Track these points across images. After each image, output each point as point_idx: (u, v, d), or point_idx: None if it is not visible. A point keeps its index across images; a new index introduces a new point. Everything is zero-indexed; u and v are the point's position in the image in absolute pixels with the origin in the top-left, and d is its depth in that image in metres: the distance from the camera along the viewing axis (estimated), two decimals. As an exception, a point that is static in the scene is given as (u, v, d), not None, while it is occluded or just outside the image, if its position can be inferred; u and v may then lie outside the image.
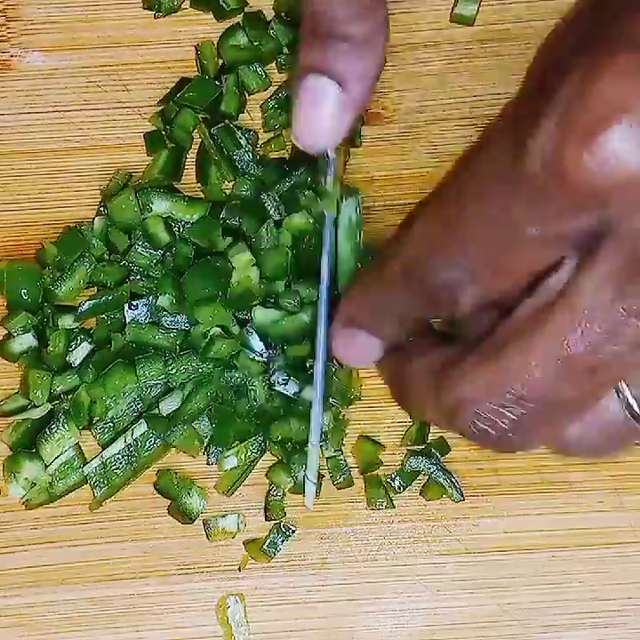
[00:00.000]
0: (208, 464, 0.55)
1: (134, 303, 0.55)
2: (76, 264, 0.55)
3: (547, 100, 0.34)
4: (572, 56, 0.34)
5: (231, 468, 0.55)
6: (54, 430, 0.55)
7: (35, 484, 0.55)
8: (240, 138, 0.56)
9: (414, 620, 0.55)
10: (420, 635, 0.55)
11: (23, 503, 0.55)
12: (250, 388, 0.54)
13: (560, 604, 0.55)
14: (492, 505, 0.55)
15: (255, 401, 0.54)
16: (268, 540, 0.55)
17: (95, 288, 0.56)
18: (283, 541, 0.55)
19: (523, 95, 0.37)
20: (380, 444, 0.55)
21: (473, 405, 0.39)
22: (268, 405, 0.54)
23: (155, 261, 0.55)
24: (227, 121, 0.56)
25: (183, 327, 0.54)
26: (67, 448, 0.55)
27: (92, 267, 0.55)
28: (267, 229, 0.54)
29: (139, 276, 0.55)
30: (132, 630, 0.55)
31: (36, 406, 0.55)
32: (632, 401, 0.40)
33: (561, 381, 0.38)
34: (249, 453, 0.55)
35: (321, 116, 0.48)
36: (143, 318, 0.55)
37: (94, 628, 0.55)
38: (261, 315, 0.54)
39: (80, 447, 0.55)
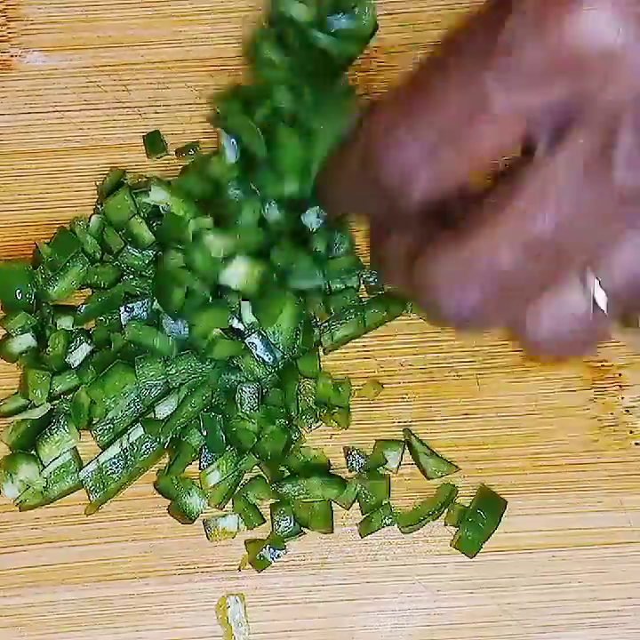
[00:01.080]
0: (199, 469, 0.55)
1: (130, 306, 0.55)
2: (68, 264, 0.55)
3: None
4: None
5: (219, 482, 0.55)
6: (54, 431, 0.55)
7: (29, 487, 0.55)
8: None
9: (414, 619, 0.55)
10: (420, 635, 0.55)
11: (17, 505, 0.55)
12: (242, 393, 0.55)
13: (559, 603, 0.55)
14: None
15: (243, 409, 0.55)
16: (261, 553, 0.55)
17: (91, 291, 0.56)
18: (278, 554, 0.55)
19: None
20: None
21: (440, 283, 0.39)
22: (250, 417, 0.55)
23: (147, 261, 0.55)
24: None
25: (182, 332, 0.54)
26: (65, 450, 0.55)
27: (85, 268, 0.55)
28: None
29: (132, 277, 0.55)
30: (132, 630, 0.55)
31: (35, 406, 0.55)
32: (598, 294, 0.39)
33: (528, 262, 0.37)
34: (230, 464, 0.55)
35: None
36: (141, 318, 0.55)
37: (94, 628, 0.55)
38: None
39: (77, 452, 0.55)
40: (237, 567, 0.55)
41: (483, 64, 0.35)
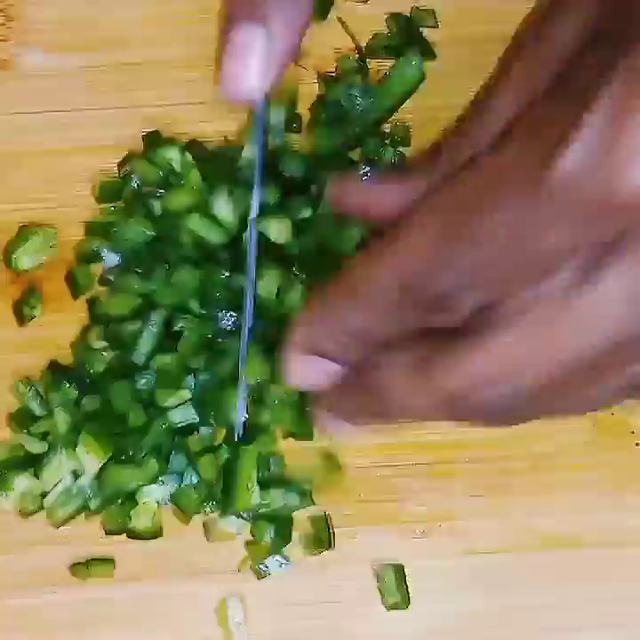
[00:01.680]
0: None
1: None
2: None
3: (579, 104, 0.32)
4: (600, 48, 0.33)
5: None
6: (52, 457, 0.55)
7: (27, 495, 0.55)
8: None
9: (414, 619, 0.55)
10: (420, 634, 0.55)
11: (18, 513, 0.55)
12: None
13: (559, 603, 0.55)
14: (491, 505, 0.56)
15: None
16: (262, 563, 0.55)
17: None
18: (276, 568, 0.55)
19: (545, 95, 0.35)
20: None
21: (478, 384, 0.38)
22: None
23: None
24: None
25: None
26: (66, 474, 0.54)
27: None
28: None
29: None
30: (132, 630, 0.55)
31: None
32: None
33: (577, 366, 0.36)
34: None
35: (249, 66, 0.45)
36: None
37: (94, 628, 0.55)
38: None
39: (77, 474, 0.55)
40: (237, 568, 0.55)
41: (531, 203, 0.34)
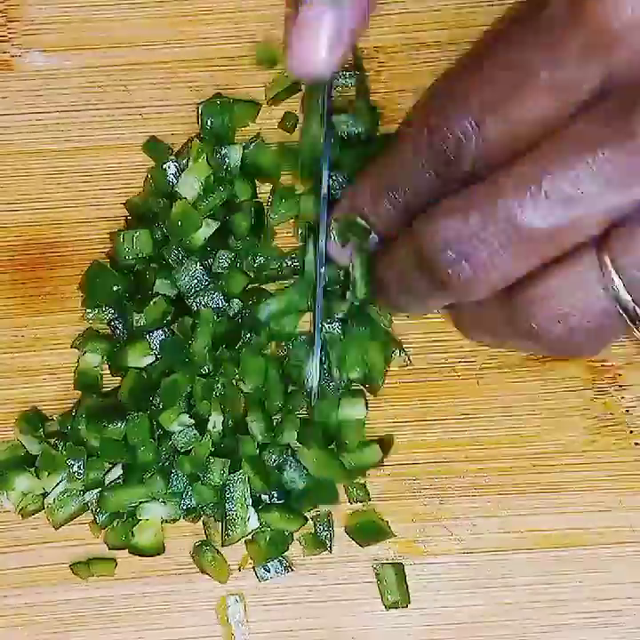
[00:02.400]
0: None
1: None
2: None
3: None
4: None
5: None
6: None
7: (27, 494, 0.55)
8: None
9: (414, 619, 0.55)
10: (420, 634, 0.55)
11: (19, 513, 0.55)
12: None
13: (559, 603, 0.55)
14: (491, 505, 0.56)
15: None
16: (263, 566, 0.55)
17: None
18: (277, 573, 0.55)
19: None
20: None
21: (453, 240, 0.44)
22: None
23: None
24: None
25: None
26: (65, 475, 0.54)
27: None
28: None
29: None
30: (132, 630, 0.55)
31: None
32: (624, 294, 0.41)
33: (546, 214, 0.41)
34: None
35: (318, 44, 0.46)
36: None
37: (94, 628, 0.55)
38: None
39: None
40: (238, 567, 0.55)
41: (531, 40, 0.40)
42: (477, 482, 0.56)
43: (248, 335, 0.54)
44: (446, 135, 0.43)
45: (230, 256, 0.54)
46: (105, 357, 0.55)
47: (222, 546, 0.54)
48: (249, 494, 0.53)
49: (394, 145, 0.48)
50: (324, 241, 0.52)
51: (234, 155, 0.55)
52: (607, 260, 0.41)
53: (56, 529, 0.55)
